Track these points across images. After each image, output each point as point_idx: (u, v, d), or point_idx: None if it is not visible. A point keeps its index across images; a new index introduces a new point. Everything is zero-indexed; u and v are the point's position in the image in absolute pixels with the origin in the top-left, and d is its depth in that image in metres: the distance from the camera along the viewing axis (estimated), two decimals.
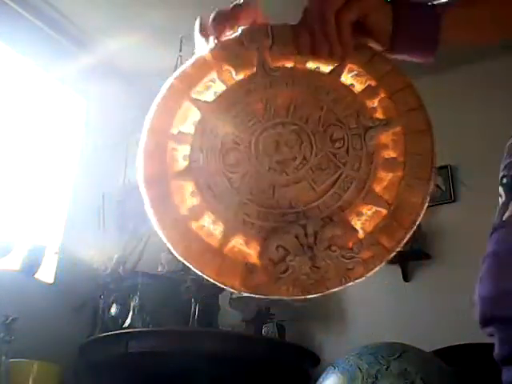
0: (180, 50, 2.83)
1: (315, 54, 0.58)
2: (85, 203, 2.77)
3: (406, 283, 2.78)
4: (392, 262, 2.55)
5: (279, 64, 0.59)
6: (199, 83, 0.58)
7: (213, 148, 0.56)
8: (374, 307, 2.78)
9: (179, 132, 0.57)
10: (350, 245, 0.55)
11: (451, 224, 2.78)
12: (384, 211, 0.56)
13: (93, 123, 2.97)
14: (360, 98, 0.59)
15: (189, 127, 0.58)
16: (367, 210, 0.56)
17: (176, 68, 3.21)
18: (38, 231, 2.63)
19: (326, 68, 0.60)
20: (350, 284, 0.56)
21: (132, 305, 2.50)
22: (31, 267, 2.43)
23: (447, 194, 2.86)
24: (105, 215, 2.83)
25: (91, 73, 2.90)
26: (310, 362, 2.58)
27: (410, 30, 0.61)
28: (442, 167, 2.90)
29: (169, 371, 2.40)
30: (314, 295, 0.55)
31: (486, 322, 0.66)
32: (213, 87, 0.59)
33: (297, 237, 0.53)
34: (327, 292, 0.55)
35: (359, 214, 0.56)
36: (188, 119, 0.58)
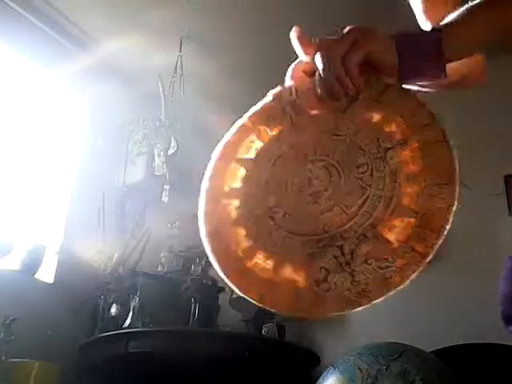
0: (180, 50, 2.84)
1: (332, 99, 0.66)
2: (85, 203, 2.77)
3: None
4: None
5: (304, 114, 0.70)
6: (242, 146, 0.71)
7: (257, 195, 0.67)
8: (374, 307, 2.77)
9: (230, 188, 0.69)
10: (385, 256, 0.60)
11: (451, 224, 2.78)
12: (413, 220, 0.61)
13: (93, 123, 2.97)
14: (378, 125, 0.66)
15: (237, 183, 0.69)
16: (399, 223, 0.62)
17: (176, 68, 3.17)
18: (38, 231, 2.63)
19: (344, 107, 0.68)
20: (391, 293, 0.61)
21: (132, 305, 2.50)
22: (31, 267, 2.43)
23: None
24: (105, 215, 2.83)
25: (91, 73, 2.90)
26: (310, 362, 2.58)
27: (415, 61, 0.66)
28: None
29: (169, 371, 2.40)
30: (359, 308, 0.61)
31: (506, 319, 0.68)
32: (253, 146, 0.70)
33: (335, 257, 0.60)
34: (371, 303, 0.61)
35: (391, 227, 0.62)
36: (236, 177, 0.69)
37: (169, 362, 2.34)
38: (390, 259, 0.60)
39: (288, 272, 0.62)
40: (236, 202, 0.68)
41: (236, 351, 2.32)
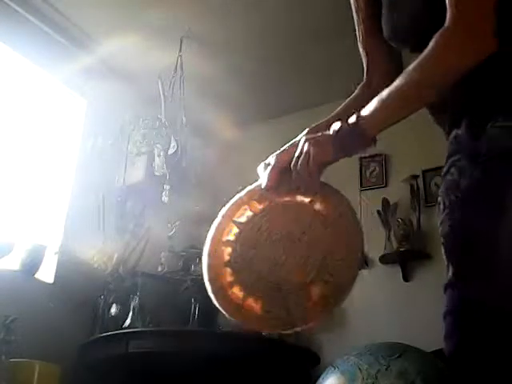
0: (180, 50, 2.84)
1: (299, 190, 0.95)
2: (85, 203, 2.78)
3: (406, 283, 2.78)
4: (392, 262, 2.58)
5: (281, 198, 0.98)
6: (238, 212, 0.99)
7: (243, 249, 0.96)
8: (374, 307, 2.78)
9: (227, 240, 0.97)
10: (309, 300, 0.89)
11: None
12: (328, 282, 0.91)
13: (92, 123, 2.97)
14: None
15: (231, 237, 0.98)
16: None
17: (176, 68, 3.17)
18: (38, 231, 2.63)
19: (306, 199, 0.96)
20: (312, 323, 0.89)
21: (132, 305, 2.50)
22: (31, 267, 2.43)
23: None
24: (104, 215, 2.83)
25: (91, 73, 2.90)
26: (310, 362, 2.58)
27: (352, 152, 0.91)
28: (442, 167, 2.89)
29: (169, 371, 2.40)
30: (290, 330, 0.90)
31: None
32: (246, 213, 0.99)
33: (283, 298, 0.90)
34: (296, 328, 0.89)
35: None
36: (231, 232, 0.98)
37: (169, 361, 2.34)
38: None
39: (250, 301, 0.92)
40: (229, 249, 0.96)
41: (236, 351, 2.33)
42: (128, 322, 2.46)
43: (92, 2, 2.71)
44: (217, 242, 0.97)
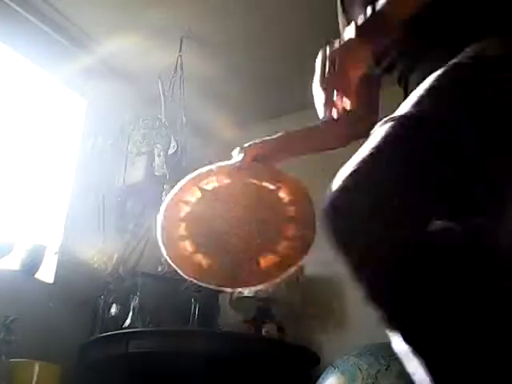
0: (180, 50, 2.84)
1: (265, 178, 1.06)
2: (85, 203, 2.78)
3: None
4: None
5: (247, 179, 1.06)
6: (205, 180, 1.06)
7: (201, 211, 1.05)
8: None
9: (188, 200, 1.05)
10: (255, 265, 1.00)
11: None
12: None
13: (92, 123, 2.97)
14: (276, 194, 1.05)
15: (193, 198, 1.05)
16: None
17: (176, 68, 3.17)
18: (38, 231, 2.63)
19: (271, 186, 1.05)
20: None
21: (132, 305, 2.50)
22: (31, 267, 2.43)
23: None
24: (105, 215, 2.83)
25: (91, 73, 2.90)
26: (310, 362, 2.58)
27: (381, 43, 0.93)
28: None
29: (169, 371, 2.40)
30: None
31: None
32: (212, 183, 1.06)
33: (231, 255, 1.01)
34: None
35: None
36: (194, 195, 1.05)
37: (169, 361, 2.34)
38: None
39: (199, 257, 1.02)
40: (187, 208, 1.05)
41: (236, 351, 2.33)
42: (128, 322, 2.45)
43: (92, 2, 2.71)
44: (178, 198, 1.05)
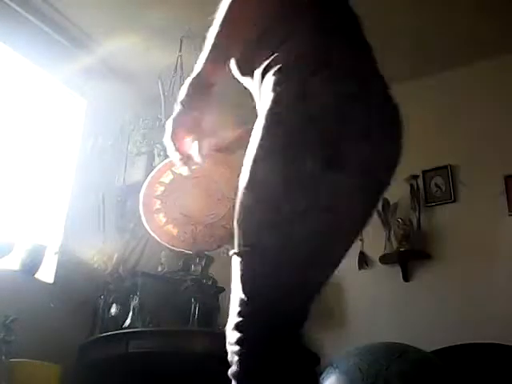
0: (180, 50, 2.83)
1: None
2: (85, 203, 2.78)
3: (406, 283, 2.78)
4: (392, 261, 2.57)
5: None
6: (163, 175, 1.28)
7: (172, 190, 1.26)
8: (373, 307, 2.78)
9: (162, 181, 1.27)
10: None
11: (451, 224, 2.78)
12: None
13: (92, 123, 2.97)
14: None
15: (166, 180, 1.26)
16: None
17: (176, 68, 3.17)
18: (38, 231, 2.63)
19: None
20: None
21: (132, 305, 2.50)
22: (31, 267, 2.43)
23: (447, 194, 2.86)
24: (104, 215, 2.83)
25: (91, 73, 2.90)
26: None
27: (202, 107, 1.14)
28: (441, 167, 2.89)
29: (169, 371, 2.40)
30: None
31: None
32: (168, 176, 1.27)
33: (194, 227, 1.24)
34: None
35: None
36: (168, 177, 1.26)
37: (169, 361, 2.34)
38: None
39: (170, 227, 1.25)
40: (162, 188, 1.26)
41: None
42: (128, 322, 2.45)
43: (92, 2, 2.71)
44: (156, 179, 1.28)
